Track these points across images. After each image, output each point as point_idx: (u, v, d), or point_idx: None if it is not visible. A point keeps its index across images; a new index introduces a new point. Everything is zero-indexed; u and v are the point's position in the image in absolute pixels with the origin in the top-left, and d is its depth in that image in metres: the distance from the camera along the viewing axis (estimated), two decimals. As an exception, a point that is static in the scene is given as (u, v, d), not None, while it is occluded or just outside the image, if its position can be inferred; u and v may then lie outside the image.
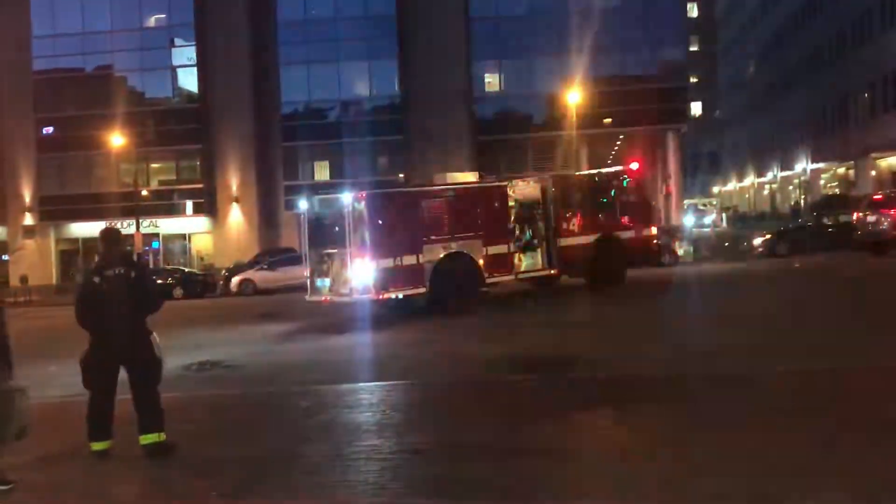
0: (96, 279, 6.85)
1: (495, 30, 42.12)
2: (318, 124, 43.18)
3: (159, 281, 29.78)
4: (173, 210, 43.67)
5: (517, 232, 18.50)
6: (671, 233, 31.61)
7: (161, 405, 6.85)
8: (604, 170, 23.07)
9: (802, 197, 52.98)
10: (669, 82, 42.35)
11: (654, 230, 21.95)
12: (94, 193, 42.51)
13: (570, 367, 10.00)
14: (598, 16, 38.11)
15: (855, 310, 13.48)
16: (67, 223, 44.29)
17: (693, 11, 75.12)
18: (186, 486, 6.04)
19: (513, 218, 18.42)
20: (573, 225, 19.37)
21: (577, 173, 23.41)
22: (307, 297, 17.76)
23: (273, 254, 34.37)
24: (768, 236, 29.95)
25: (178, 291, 31.09)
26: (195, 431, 7.55)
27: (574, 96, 37.30)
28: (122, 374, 6.85)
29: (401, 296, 16.58)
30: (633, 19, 40.22)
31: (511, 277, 18.48)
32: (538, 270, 19.00)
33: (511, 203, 18.50)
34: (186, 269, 37.16)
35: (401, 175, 40.42)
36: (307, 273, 17.76)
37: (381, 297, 16.22)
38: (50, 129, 43.55)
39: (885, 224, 23.13)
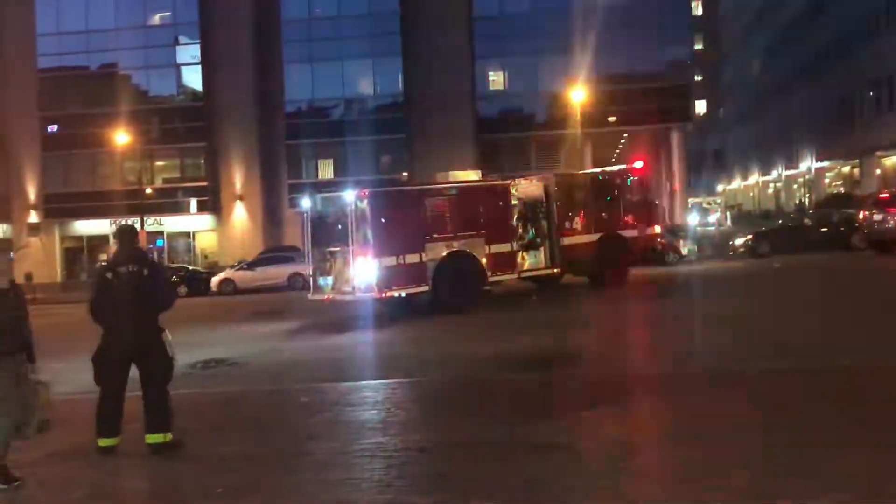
0: (109, 275, 6.89)
1: (499, 28, 42.09)
2: (321, 122, 43.22)
3: (164, 278, 29.92)
4: (177, 208, 43.74)
5: (520, 231, 18.52)
6: (675, 231, 31.58)
7: (170, 405, 6.86)
8: (607, 168, 23.08)
9: (807, 195, 52.86)
10: (674, 81, 42.27)
11: (657, 229, 21.95)
12: (98, 191, 42.61)
13: (573, 365, 10.02)
14: (602, 14, 38.05)
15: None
16: (72, 221, 44.41)
17: (698, 9, 75.03)
18: (192, 482, 6.07)
19: (515, 217, 18.44)
20: (576, 224, 19.39)
21: (580, 172, 23.39)
22: (309, 296, 17.79)
23: (276, 252, 34.62)
24: (749, 236, 29.81)
25: (182, 289, 31.19)
26: (201, 429, 7.57)
27: (578, 95, 37.26)
28: (135, 372, 6.88)
29: (403, 294, 16.63)
30: (637, 17, 40.11)
31: (514, 276, 18.51)
32: (541, 269, 19.02)
33: (514, 202, 18.52)
34: (191, 267, 37.28)
35: (404, 173, 40.46)
36: (310, 271, 17.79)
37: (383, 295, 16.26)
38: (54, 127, 43.66)
39: (892, 223, 23.07)
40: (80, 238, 45.08)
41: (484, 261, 17.45)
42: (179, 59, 44.03)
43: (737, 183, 76.99)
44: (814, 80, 50.69)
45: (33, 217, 44.00)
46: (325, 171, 44.34)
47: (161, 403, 6.81)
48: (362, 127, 40.62)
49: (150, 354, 6.82)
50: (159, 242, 43.03)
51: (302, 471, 6.12)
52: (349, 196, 16.61)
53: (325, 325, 16.68)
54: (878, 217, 23.72)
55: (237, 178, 43.26)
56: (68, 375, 9.38)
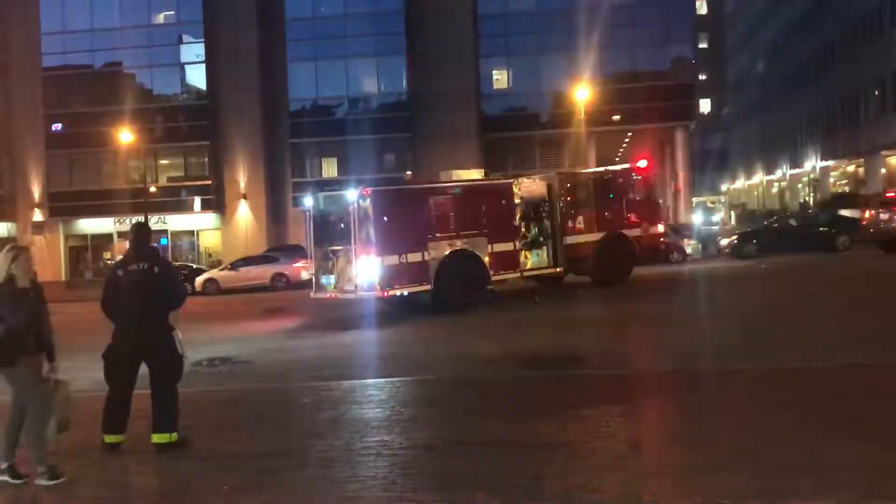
0: (119, 272, 6.90)
1: (503, 27, 42.07)
2: (325, 121, 43.24)
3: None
4: (181, 207, 43.78)
5: (523, 229, 18.52)
6: (679, 230, 31.53)
7: (177, 405, 6.85)
8: (610, 167, 23.05)
9: (812, 195, 52.75)
10: (678, 79, 42.20)
11: (660, 228, 21.91)
12: (102, 190, 42.68)
13: (577, 363, 10.03)
14: (607, 13, 38.03)
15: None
16: (76, 219, 44.49)
17: (702, 8, 74.84)
18: (198, 480, 6.08)
19: (518, 215, 18.44)
20: (579, 223, 19.38)
21: (583, 171, 23.36)
22: (312, 294, 17.82)
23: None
24: (735, 237, 29.71)
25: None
26: (206, 426, 7.59)
27: (582, 93, 37.23)
28: (145, 369, 6.89)
29: (406, 293, 16.62)
30: (641, 16, 40.08)
31: (516, 275, 18.50)
32: (544, 268, 19.03)
33: (517, 201, 18.51)
34: (195, 266, 37.32)
35: (408, 172, 40.47)
36: (312, 270, 17.80)
37: (385, 293, 16.27)
38: (59, 126, 43.71)
39: None
40: (84, 237, 45.16)
41: (487, 260, 17.45)
42: (183, 58, 44.07)
43: (741, 182, 76.84)
44: (819, 78, 50.59)
45: (37, 215, 44.09)
46: (330, 169, 44.37)
47: (168, 403, 6.80)
48: (366, 126, 40.63)
49: (158, 353, 6.80)
50: (163, 241, 43.05)
51: (307, 468, 6.12)
52: (352, 194, 16.63)
53: (329, 324, 16.70)
54: (884, 216, 23.67)
55: (241, 176, 43.31)
56: (73, 373, 9.38)
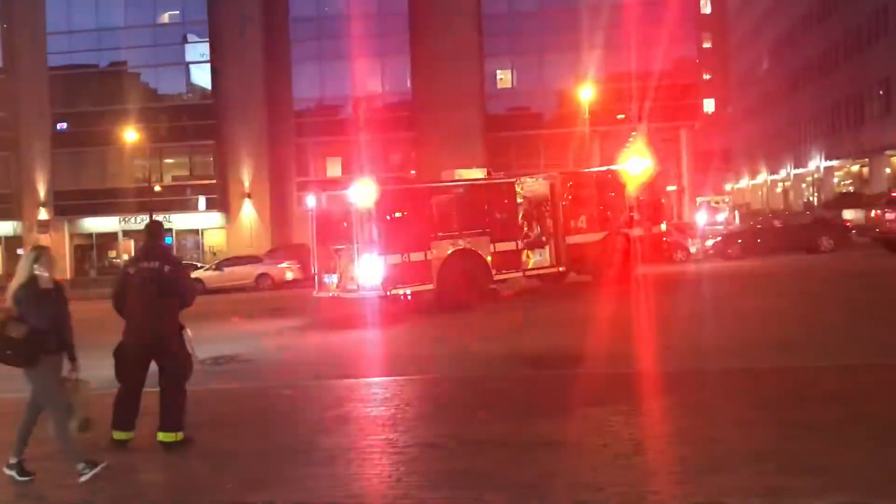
0: (130, 270, 6.97)
1: (507, 26, 42.06)
2: (330, 121, 43.27)
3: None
4: (186, 206, 43.86)
5: (525, 229, 18.54)
6: (683, 230, 31.50)
7: (184, 404, 6.89)
8: (612, 167, 23.04)
9: (816, 194, 52.64)
10: (682, 79, 42.12)
11: (663, 227, 21.91)
12: (107, 189, 42.78)
13: (580, 363, 10.07)
14: (611, 12, 38.00)
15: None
16: (81, 218, 44.59)
17: (706, 7, 74.75)
18: (203, 478, 6.14)
19: (521, 215, 18.47)
20: (581, 222, 19.38)
21: (586, 170, 23.37)
22: (315, 293, 17.87)
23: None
24: (718, 238, 29.67)
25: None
26: (211, 424, 7.64)
27: (586, 93, 37.24)
28: (155, 367, 6.95)
29: (408, 292, 16.67)
30: (645, 16, 40.02)
31: (519, 274, 18.53)
32: (546, 268, 19.04)
33: (519, 200, 18.54)
34: (198, 265, 37.41)
35: (412, 171, 40.51)
36: (315, 269, 17.85)
37: (388, 293, 16.31)
38: (64, 125, 43.86)
39: None
40: (89, 235, 45.27)
41: (489, 259, 17.48)
42: (188, 58, 44.14)
43: (745, 181, 76.70)
44: (823, 78, 50.47)
45: (43, 214, 44.20)
46: (334, 169, 44.40)
47: (175, 402, 6.84)
48: (370, 125, 40.65)
49: (167, 351, 6.85)
50: (168, 240, 43.18)
51: (312, 466, 6.17)
52: (354, 194, 16.68)
53: (332, 323, 16.76)
54: (890, 216, 23.60)
55: (246, 175, 43.40)
56: (82, 371, 9.47)
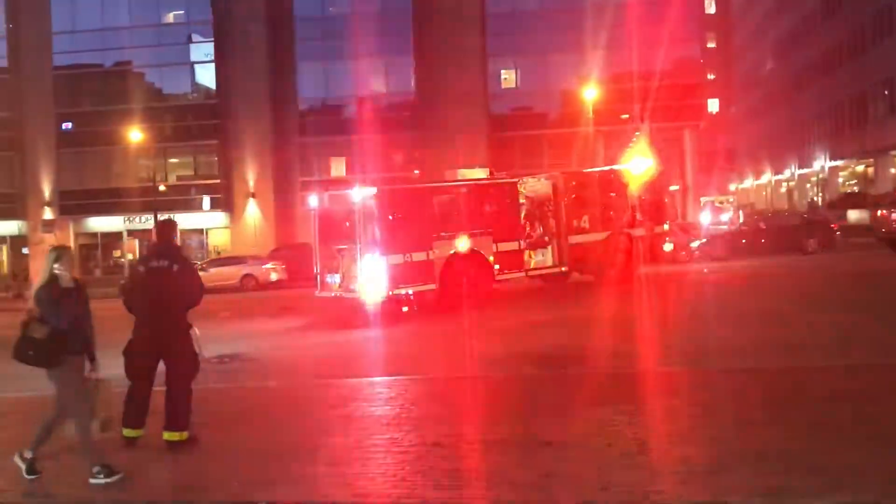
0: (141, 268, 7.01)
1: (511, 26, 42.01)
2: (334, 120, 43.31)
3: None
4: (190, 205, 43.91)
5: (527, 229, 18.55)
6: (687, 230, 31.46)
7: (189, 403, 6.92)
8: (615, 166, 23.03)
9: (820, 195, 52.56)
10: (686, 79, 42.10)
11: (666, 227, 21.88)
12: (112, 188, 42.86)
13: (584, 362, 10.08)
14: (615, 11, 37.98)
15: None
16: (86, 218, 44.68)
17: (710, 7, 74.62)
18: (208, 476, 6.16)
19: (523, 215, 18.48)
20: (584, 222, 19.39)
21: (589, 170, 23.36)
22: (317, 293, 17.89)
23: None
24: (703, 240, 29.65)
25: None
26: (216, 423, 7.67)
27: (590, 93, 37.23)
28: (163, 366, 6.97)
29: (411, 292, 16.69)
30: (649, 15, 39.98)
31: (521, 274, 18.54)
32: (548, 267, 19.05)
33: (521, 200, 18.55)
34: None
35: (416, 171, 40.54)
36: (317, 269, 17.86)
37: (391, 293, 16.33)
38: (69, 125, 43.97)
39: None
40: (94, 235, 45.37)
41: (491, 259, 17.49)
42: (193, 57, 44.21)
43: (749, 182, 76.59)
44: (827, 78, 50.38)
45: (48, 214, 44.32)
46: (338, 168, 44.44)
47: (180, 402, 6.87)
48: (375, 125, 40.66)
49: (174, 350, 6.87)
50: (173, 239, 43.19)
51: (317, 465, 6.19)
52: (357, 193, 16.70)
53: (335, 322, 16.78)
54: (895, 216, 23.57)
55: (250, 175, 43.45)
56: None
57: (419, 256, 16.58)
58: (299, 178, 43.43)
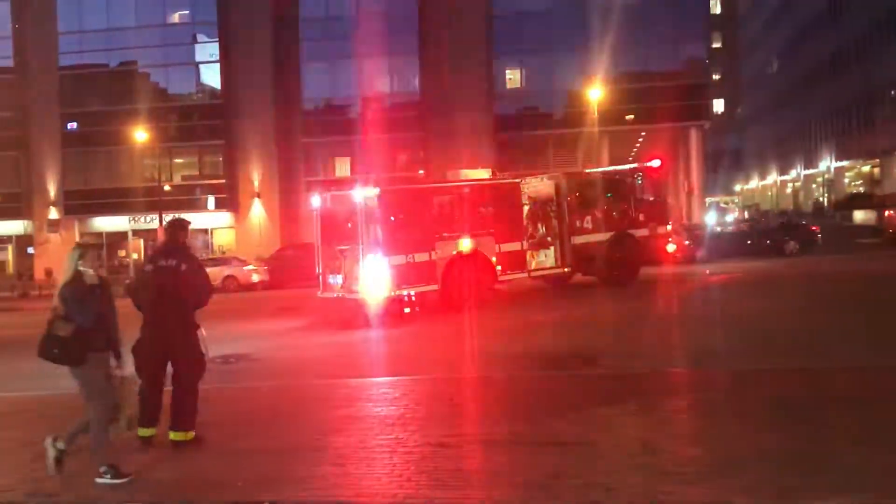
0: (148, 268, 7.01)
1: (516, 26, 41.95)
2: (338, 120, 43.33)
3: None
4: (195, 205, 43.95)
5: (530, 229, 18.53)
6: (692, 231, 31.39)
7: (195, 404, 6.92)
8: (618, 167, 22.99)
9: (826, 195, 52.44)
10: (692, 79, 42.01)
11: (669, 228, 21.82)
12: (117, 188, 42.97)
13: (589, 363, 10.07)
14: (620, 12, 37.93)
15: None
16: (91, 217, 44.79)
17: (716, 7, 74.51)
18: (213, 476, 6.16)
19: (526, 215, 18.45)
20: (587, 222, 19.35)
21: (592, 170, 23.32)
22: (319, 294, 17.86)
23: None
24: (688, 242, 29.76)
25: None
26: (221, 423, 7.68)
27: (596, 93, 37.19)
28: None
29: (413, 292, 16.67)
30: (655, 15, 39.92)
31: (524, 275, 18.51)
32: (551, 268, 19.02)
33: (524, 200, 18.53)
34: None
35: (420, 171, 40.55)
36: (319, 269, 17.83)
37: (393, 293, 16.32)
38: (74, 125, 44.06)
39: None
40: (99, 234, 45.42)
41: (494, 259, 17.47)
42: (198, 58, 44.27)
43: (755, 182, 76.45)
44: (833, 78, 50.26)
45: (53, 213, 44.42)
46: (343, 168, 44.49)
47: (186, 402, 6.88)
48: (379, 125, 40.67)
49: (180, 350, 6.88)
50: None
51: (321, 464, 6.19)
52: (359, 193, 16.69)
53: (338, 323, 16.78)
54: None
55: (255, 175, 43.51)
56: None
57: (421, 257, 16.56)
58: (304, 178, 43.45)
